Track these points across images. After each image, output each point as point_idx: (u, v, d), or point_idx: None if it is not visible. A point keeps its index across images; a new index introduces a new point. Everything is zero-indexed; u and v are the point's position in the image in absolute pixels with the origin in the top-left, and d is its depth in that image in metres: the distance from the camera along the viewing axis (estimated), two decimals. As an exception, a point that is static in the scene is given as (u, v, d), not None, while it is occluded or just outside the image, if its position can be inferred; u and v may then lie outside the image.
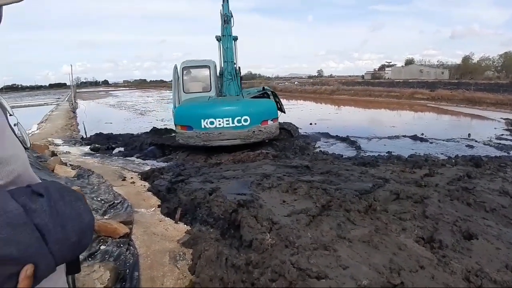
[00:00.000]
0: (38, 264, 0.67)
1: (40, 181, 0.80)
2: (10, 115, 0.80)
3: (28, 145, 0.86)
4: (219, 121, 8.82)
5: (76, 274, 2.59)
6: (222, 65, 10.73)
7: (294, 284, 2.46)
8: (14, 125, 0.81)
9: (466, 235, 3.05)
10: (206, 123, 8.78)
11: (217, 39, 10.97)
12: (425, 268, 2.52)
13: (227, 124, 8.85)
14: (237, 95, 10.55)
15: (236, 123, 8.91)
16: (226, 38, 10.57)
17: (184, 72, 10.60)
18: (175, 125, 9.43)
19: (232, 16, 10.86)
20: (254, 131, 9.06)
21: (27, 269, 0.65)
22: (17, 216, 0.65)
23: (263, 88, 12.64)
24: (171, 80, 10.99)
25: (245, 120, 8.97)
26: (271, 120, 9.48)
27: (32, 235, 0.66)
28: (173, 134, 12.35)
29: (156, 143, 10.74)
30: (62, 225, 0.71)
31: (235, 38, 10.78)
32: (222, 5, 11.47)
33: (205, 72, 10.75)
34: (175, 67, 10.43)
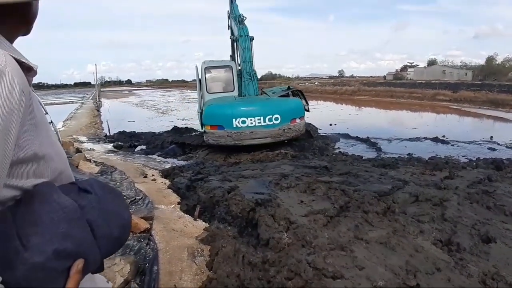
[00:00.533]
0: (88, 259, 0.70)
1: (75, 179, 0.85)
2: (45, 113, 0.83)
3: (61, 143, 0.91)
4: (251, 120, 8.89)
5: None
6: (240, 66, 10.76)
7: (309, 283, 2.48)
8: (49, 123, 0.84)
9: (485, 238, 3.00)
10: (238, 122, 8.84)
11: (233, 40, 11.00)
12: (442, 270, 2.50)
13: (258, 123, 8.94)
14: (256, 95, 10.59)
15: (267, 122, 9.01)
16: (244, 39, 10.59)
17: (207, 72, 10.62)
18: (204, 125, 9.41)
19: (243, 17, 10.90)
20: (284, 129, 9.20)
21: (78, 264, 0.68)
22: (73, 212, 0.68)
23: (288, 87, 12.69)
24: (194, 80, 11.10)
25: (276, 119, 9.08)
26: (299, 119, 9.59)
27: (85, 230, 0.69)
28: (193, 133, 12.53)
29: (176, 141, 10.92)
30: (107, 221, 0.75)
31: (252, 38, 10.81)
32: (232, 6, 11.54)
33: (228, 72, 10.79)
34: (198, 68, 10.49)
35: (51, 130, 0.81)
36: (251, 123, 8.91)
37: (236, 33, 10.86)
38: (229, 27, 12.52)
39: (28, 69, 0.70)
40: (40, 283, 0.64)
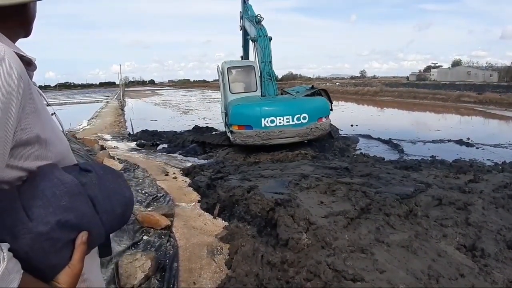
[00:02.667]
0: (91, 232, 0.75)
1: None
2: (48, 105, 0.88)
3: (64, 132, 0.96)
4: (280, 119, 8.90)
5: (119, 261, 2.77)
6: (259, 66, 10.73)
7: (329, 285, 2.47)
8: (52, 114, 0.89)
9: (510, 244, 2.92)
10: (267, 121, 8.85)
11: (251, 40, 10.99)
12: (465, 276, 2.45)
13: (287, 122, 8.95)
14: (276, 95, 10.57)
15: (295, 121, 9.03)
16: (263, 39, 10.50)
17: (229, 72, 10.55)
18: (230, 125, 9.33)
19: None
20: (311, 128, 9.22)
21: (83, 235, 0.73)
22: (74, 187, 0.73)
23: (312, 86, 12.72)
24: (215, 80, 11.10)
25: (304, 118, 9.09)
26: (325, 117, 9.61)
27: (86, 205, 0.74)
28: (214, 133, 12.59)
29: (197, 140, 11.02)
30: (108, 197, 0.79)
31: (270, 39, 10.78)
32: (245, 7, 11.56)
33: (250, 72, 10.74)
34: (221, 68, 10.43)
35: (52, 118, 0.85)
36: (280, 123, 8.89)
37: (253, 33, 10.78)
38: (242, 27, 12.53)
39: (28, 64, 0.75)
40: (46, 253, 0.68)
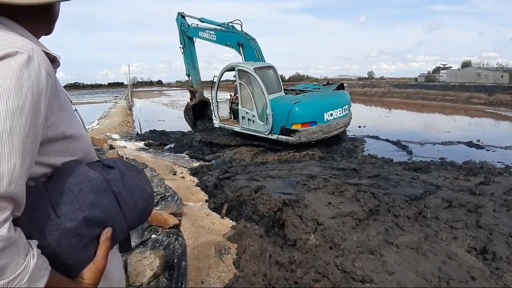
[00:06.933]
0: (115, 228, 0.76)
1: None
2: (70, 101, 0.90)
3: (85, 130, 0.98)
4: (336, 112, 9.76)
5: (128, 259, 2.77)
6: None
7: (337, 286, 2.46)
8: (74, 110, 0.91)
9: (523, 247, 2.87)
10: (328, 115, 9.51)
11: (238, 45, 11.04)
12: (476, 279, 2.41)
13: (340, 114, 9.92)
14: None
15: (344, 112, 10.13)
16: (254, 41, 10.85)
17: (259, 73, 10.00)
18: (291, 125, 9.15)
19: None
20: (350, 118, 10.57)
21: (107, 232, 0.75)
22: (99, 183, 0.74)
23: (328, 82, 13.21)
24: (223, 81, 11.04)
25: (347, 109, 10.35)
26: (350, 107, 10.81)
27: (111, 200, 0.75)
28: (222, 133, 12.58)
29: (204, 141, 11.06)
30: (131, 193, 0.80)
31: None
32: (205, 20, 12.01)
33: (273, 72, 10.64)
34: (247, 69, 10.02)
35: (76, 115, 0.88)
36: (336, 115, 9.74)
37: (235, 40, 11.06)
38: (184, 43, 12.88)
39: (52, 61, 0.77)
40: (73, 249, 0.69)
